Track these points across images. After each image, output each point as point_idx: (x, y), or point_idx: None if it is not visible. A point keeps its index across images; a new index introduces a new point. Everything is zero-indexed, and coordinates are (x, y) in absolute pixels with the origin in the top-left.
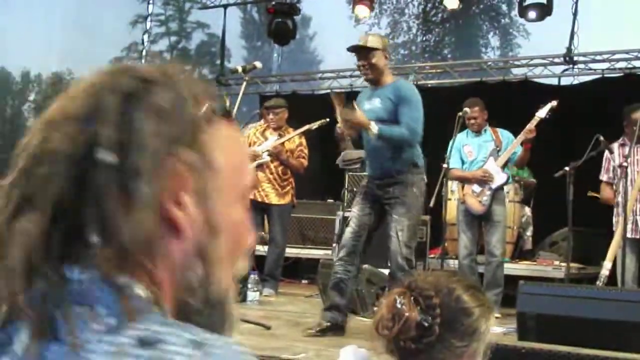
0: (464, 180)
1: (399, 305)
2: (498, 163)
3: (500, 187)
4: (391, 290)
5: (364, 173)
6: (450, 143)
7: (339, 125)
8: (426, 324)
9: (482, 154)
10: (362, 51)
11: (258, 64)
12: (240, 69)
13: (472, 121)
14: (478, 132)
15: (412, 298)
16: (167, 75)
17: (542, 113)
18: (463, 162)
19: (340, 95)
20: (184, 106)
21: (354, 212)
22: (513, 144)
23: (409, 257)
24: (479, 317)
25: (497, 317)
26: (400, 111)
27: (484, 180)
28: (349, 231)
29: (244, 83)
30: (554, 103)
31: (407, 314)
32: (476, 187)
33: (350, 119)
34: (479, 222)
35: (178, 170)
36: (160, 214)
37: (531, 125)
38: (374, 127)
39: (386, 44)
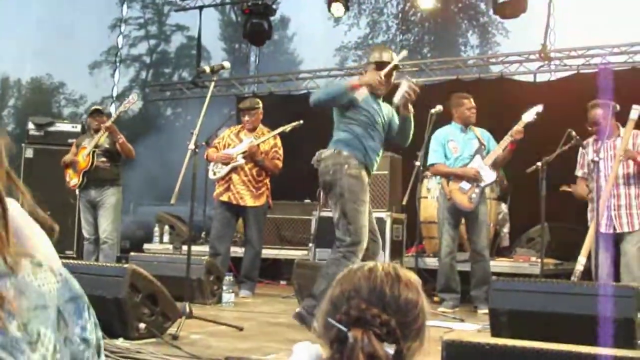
0: (450, 177)
1: (368, 349)
2: (486, 162)
3: (487, 186)
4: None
5: None
6: (427, 138)
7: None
8: (394, 351)
9: (468, 150)
10: (392, 71)
11: (226, 64)
12: (208, 70)
13: (474, 111)
14: (466, 128)
15: (372, 334)
16: None
17: (528, 117)
18: (447, 158)
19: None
20: None
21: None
22: (501, 144)
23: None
24: (423, 305)
25: (485, 314)
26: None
27: (474, 178)
28: (366, 232)
29: (212, 83)
30: (540, 108)
31: (380, 356)
32: (465, 184)
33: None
34: (460, 220)
35: None
36: None
37: (518, 127)
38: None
39: None
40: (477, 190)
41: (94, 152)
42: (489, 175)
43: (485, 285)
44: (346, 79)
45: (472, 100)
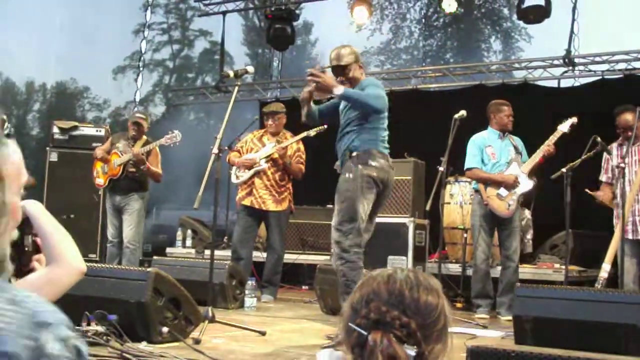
0: (488, 182)
1: (388, 351)
2: (524, 169)
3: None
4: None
5: None
6: (450, 143)
7: (305, 90)
8: (415, 353)
9: (505, 157)
10: (337, 69)
11: (250, 69)
12: (232, 74)
13: (512, 118)
14: (503, 134)
15: (392, 337)
16: None
17: (564, 127)
18: (484, 164)
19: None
20: None
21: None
22: (537, 153)
23: None
24: (445, 307)
25: (508, 320)
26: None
27: (512, 185)
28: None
29: (236, 88)
30: (575, 119)
31: (401, 358)
32: (502, 191)
33: (319, 77)
34: (495, 226)
35: None
36: None
37: (554, 138)
38: (339, 89)
39: (357, 53)
40: (514, 197)
41: (126, 163)
42: (527, 183)
43: (512, 292)
44: None
45: (510, 107)
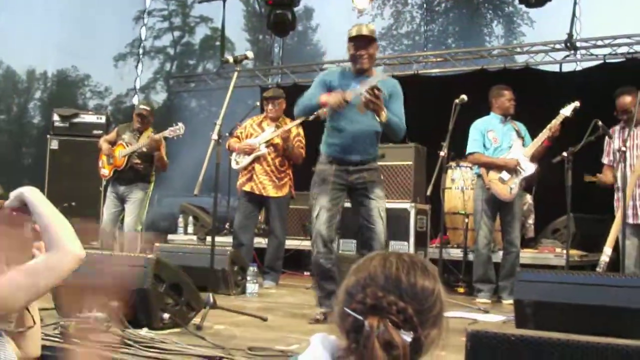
0: (490, 167)
1: (385, 337)
2: (526, 153)
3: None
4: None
5: None
6: (451, 128)
7: (356, 95)
8: (412, 339)
9: (506, 142)
10: (365, 40)
11: (249, 54)
12: (231, 60)
13: (513, 103)
14: (505, 119)
15: (388, 322)
16: None
17: (567, 111)
18: (485, 148)
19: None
20: None
21: (323, 203)
22: (539, 137)
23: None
24: (440, 292)
25: (509, 304)
26: (393, 105)
27: (514, 169)
28: (321, 223)
29: (235, 73)
30: (577, 103)
31: (398, 344)
32: (505, 175)
33: (379, 100)
34: (497, 211)
35: None
36: None
37: (557, 121)
38: (385, 115)
39: None
40: (516, 180)
41: (132, 154)
42: (529, 167)
43: (512, 277)
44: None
45: (512, 92)
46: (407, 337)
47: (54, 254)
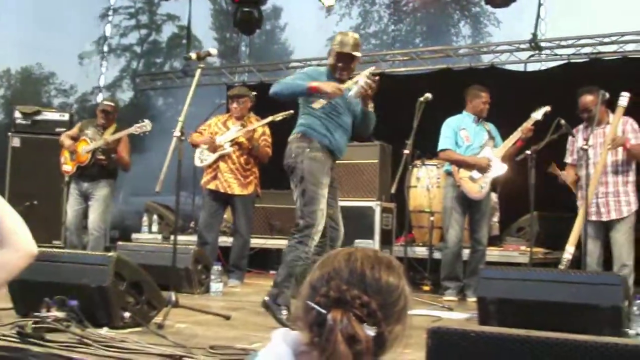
0: (461, 165)
1: (348, 330)
2: (497, 153)
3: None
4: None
5: None
6: (415, 126)
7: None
8: (375, 333)
9: (478, 141)
10: (351, 58)
11: (213, 51)
12: (194, 56)
13: (488, 106)
14: (478, 120)
15: (352, 316)
16: None
17: (538, 115)
18: (457, 146)
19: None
20: None
21: (327, 194)
22: (510, 139)
23: None
24: (404, 288)
25: (474, 302)
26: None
27: (485, 167)
28: (322, 215)
29: (198, 70)
30: (548, 108)
31: (361, 338)
32: (475, 173)
33: (374, 89)
34: (467, 208)
35: None
36: None
37: (528, 124)
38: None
39: None
40: (486, 180)
41: (95, 150)
42: (499, 167)
43: (477, 275)
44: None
45: (488, 94)
46: (371, 331)
47: (6, 251)
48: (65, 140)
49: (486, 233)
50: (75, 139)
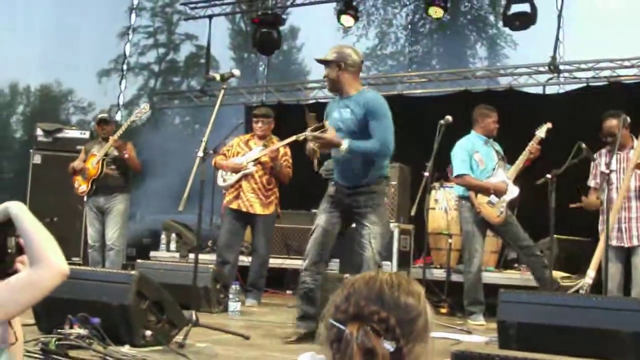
0: (480, 190)
1: (365, 343)
2: (509, 176)
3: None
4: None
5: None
6: (435, 148)
7: (310, 145)
8: (393, 349)
9: (490, 164)
10: (324, 63)
11: (236, 72)
12: (218, 77)
13: (497, 125)
14: (487, 140)
15: (369, 329)
16: None
17: (541, 132)
18: (472, 170)
19: (312, 115)
20: None
21: (321, 221)
22: (520, 159)
23: (380, 264)
24: (426, 311)
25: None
26: (371, 125)
27: (502, 192)
28: (314, 240)
29: (222, 91)
30: (549, 124)
31: (378, 352)
32: (493, 198)
33: (321, 138)
34: (486, 232)
35: None
36: None
37: (534, 143)
38: (344, 145)
39: (349, 54)
40: (504, 204)
41: (103, 160)
42: (513, 190)
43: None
44: None
45: (497, 114)
46: (389, 346)
47: (38, 269)
48: (74, 165)
49: (527, 236)
50: (84, 161)
